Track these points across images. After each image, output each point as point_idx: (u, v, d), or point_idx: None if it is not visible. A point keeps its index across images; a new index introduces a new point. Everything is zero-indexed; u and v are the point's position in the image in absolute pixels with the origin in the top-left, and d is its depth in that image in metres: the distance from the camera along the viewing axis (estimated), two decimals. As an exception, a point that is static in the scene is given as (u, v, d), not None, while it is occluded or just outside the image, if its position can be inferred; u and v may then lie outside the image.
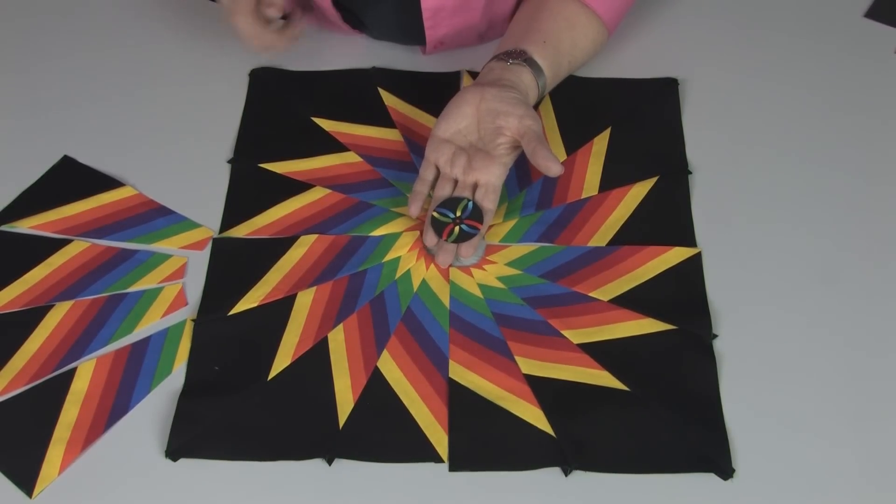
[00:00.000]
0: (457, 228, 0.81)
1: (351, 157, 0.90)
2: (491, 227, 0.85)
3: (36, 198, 0.87)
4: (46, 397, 0.75)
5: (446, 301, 0.80)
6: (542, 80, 0.85)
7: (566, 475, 0.70)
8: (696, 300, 0.79)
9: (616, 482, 0.70)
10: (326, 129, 0.92)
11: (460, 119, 0.82)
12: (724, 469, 0.70)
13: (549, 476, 0.71)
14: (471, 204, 0.81)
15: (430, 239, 0.82)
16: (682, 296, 0.80)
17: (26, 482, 0.70)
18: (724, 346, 0.77)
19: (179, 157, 0.91)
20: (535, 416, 0.73)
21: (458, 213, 0.81)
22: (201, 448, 0.72)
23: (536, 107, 0.90)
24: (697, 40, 1.00)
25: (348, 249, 0.83)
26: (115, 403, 0.74)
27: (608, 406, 0.73)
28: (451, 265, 0.83)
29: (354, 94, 0.95)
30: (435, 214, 0.81)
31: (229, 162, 0.90)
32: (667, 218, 0.85)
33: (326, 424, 0.73)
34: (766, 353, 0.77)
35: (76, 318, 0.79)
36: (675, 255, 0.82)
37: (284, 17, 0.92)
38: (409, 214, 0.84)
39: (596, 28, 0.89)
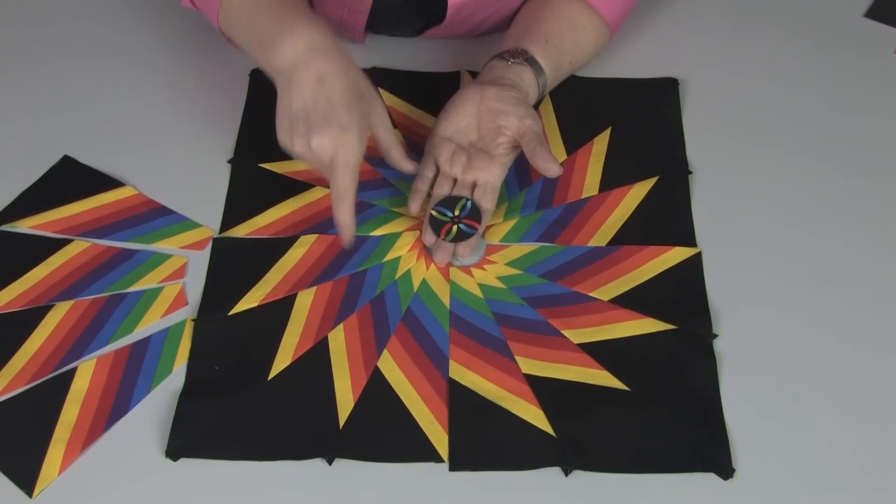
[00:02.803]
0: (454, 227, 0.81)
1: (351, 157, 0.90)
2: (490, 226, 0.85)
3: (36, 198, 0.87)
4: (46, 397, 0.75)
5: (446, 301, 0.80)
6: (543, 80, 0.85)
7: (566, 475, 0.70)
8: (696, 300, 0.79)
9: (616, 482, 0.70)
10: (326, 129, 0.92)
11: (461, 118, 0.82)
12: (724, 469, 0.70)
13: (549, 476, 0.71)
14: (469, 203, 0.81)
15: (429, 237, 0.82)
16: (682, 296, 0.80)
17: (26, 482, 0.70)
18: (724, 346, 0.77)
19: (179, 157, 0.91)
20: (535, 415, 0.73)
21: (457, 213, 0.81)
22: (201, 448, 0.72)
23: (537, 106, 0.90)
24: (697, 40, 1.00)
25: (348, 249, 0.83)
26: (115, 403, 0.74)
27: (608, 406, 0.73)
28: (450, 265, 0.83)
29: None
30: (433, 213, 0.81)
31: (229, 162, 0.90)
32: (667, 218, 0.85)
33: (326, 424, 0.73)
34: (766, 353, 0.77)
35: (76, 318, 0.79)
36: (675, 255, 0.82)
37: None
38: (409, 211, 0.84)
39: (598, 29, 0.90)
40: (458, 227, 0.81)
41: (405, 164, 0.82)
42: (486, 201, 0.82)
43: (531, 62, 0.84)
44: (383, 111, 0.78)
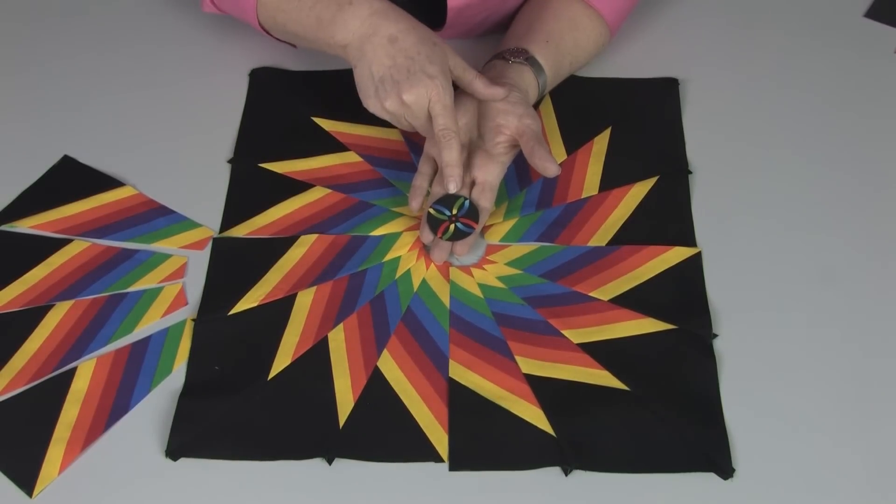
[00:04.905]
0: (452, 226, 0.81)
1: (351, 157, 0.90)
2: (490, 226, 0.85)
3: (36, 198, 0.87)
4: (46, 397, 0.75)
5: (446, 301, 0.80)
6: (543, 80, 0.85)
7: (566, 475, 0.70)
8: (696, 300, 0.79)
9: (616, 482, 0.70)
10: (326, 129, 0.92)
11: (459, 116, 0.82)
12: (724, 469, 0.70)
13: (549, 476, 0.71)
14: (467, 202, 0.81)
15: (426, 235, 0.82)
16: (682, 296, 0.80)
17: (26, 482, 0.70)
18: (724, 346, 0.77)
19: (179, 157, 0.91)
20: (535, 415, 0.73)
21: (454, 211, 0.81)
22: (201, 448, 0.72)
23: (536, 106, 0.90)
24: (697, 40, 1.00)
25: (348, 249, 0.83)
26: (115, 403, 0.74)
27: (608, 406, 0.73)
28: (450, 265, 0.83)
29: (354, 93, 0.95)
30: (431, 211, 0.81)
31: (229, 162, 0.90)
32: (667, 218, 0.85)
33: (326, 424, 0.73)
34: (766, 353, 0.77)
35: (76, 317, 0.79)
36: (675, 255, 0.82)
37: None
38: (409, 208, 0.84)
39: (599, 29, 0.90)
40: (456, 226, 0.80)
41: (494, 90, 0.80)
42: (485, 200, 0.82)
43: (531, 62, 0.84)
44: (454, 53, 0.79)
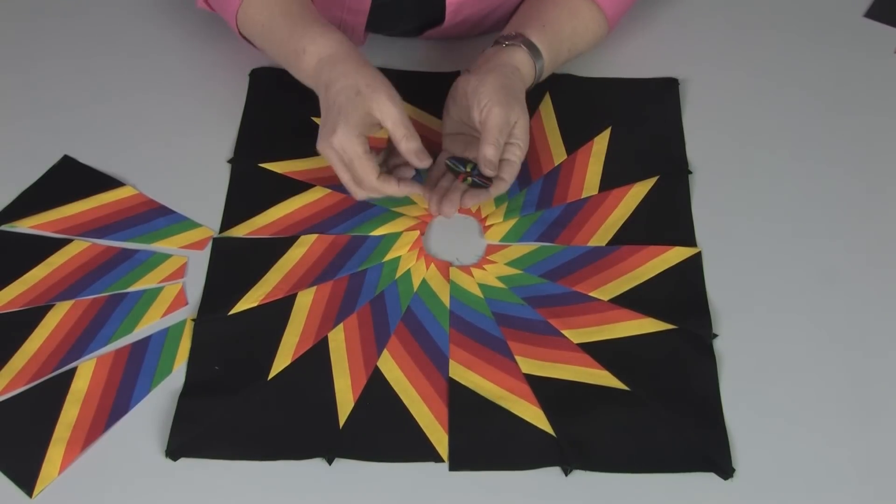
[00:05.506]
0: (469, 179, 0.81)
1: (351, 157, 0.90)
2: (490, 226, 0.85)
3: (36, 198, 0.87)
4: (46, 397, 0.75)
5: (446, 300, 0.80)
6: (540, 64, 0.84)
7: (566, 475, 0.70)
8: (696, 300, 0.79)
9: (616, 482, 0.70)
10: (326, 128, 0.92)
11: (456, 110, 0.83)
12: (724, 469, 0.70)
13: (549, 476, 0.71)
14: (476, 169, 0.81)
15: (445, 180, 0.83)
16: (682, 296, 0.80)
17: (26, 482, 0.70)
18: (724, 346, 0.77)
19: (179, 157, 0.91)
20: (535, 415, 0.73)
21: (468, 168, 0.81)
22: (201, 448, 0.72)
23: (537, 104, 0.91)
24: (697, 40, 1.00)
25: (348, 249, 0.83)
26: (115, 403, 0.74)
27: (608, 406, 0.73)
28: (450, 264, 0.83)
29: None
30: (448, 163, 0.82)
31: (229, 162, 0.90)
32: (667, 218, 0.85)
33: (326, 424, 0.73)
34: (766, 353, 0.77)
35: (76, 317, 0.79)
36: (675, 255, 0.82)
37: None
38: (420, 166, 0.80)
39: (598, 21, 0.90)
40: (472, 179, 0.81)
41: (414, 159, 0.78)
42: (506, 173, 0.80)
43: (527, 44, 0.84)
44: (388, 102, 0.76)
